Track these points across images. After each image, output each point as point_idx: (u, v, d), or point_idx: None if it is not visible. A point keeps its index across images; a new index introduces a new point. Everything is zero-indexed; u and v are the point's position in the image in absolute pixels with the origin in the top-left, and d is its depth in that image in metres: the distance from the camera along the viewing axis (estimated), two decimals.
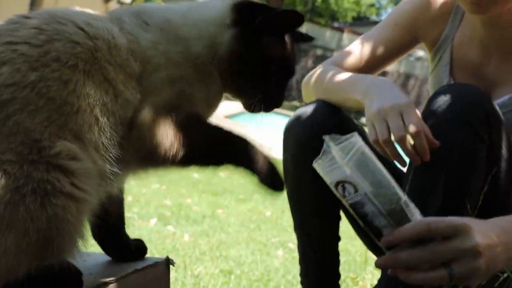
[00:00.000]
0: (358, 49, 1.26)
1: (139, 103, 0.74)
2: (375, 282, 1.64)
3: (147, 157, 0.75)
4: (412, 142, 0.93)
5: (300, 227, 1.26)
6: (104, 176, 0.69)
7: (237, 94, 0.91)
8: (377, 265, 0.71)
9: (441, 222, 0.68)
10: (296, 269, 1.75)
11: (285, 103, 1.25)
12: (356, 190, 0.63)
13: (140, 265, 0.83)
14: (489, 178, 0.96)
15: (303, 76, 1.33)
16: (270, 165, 0.81)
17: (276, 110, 0.96)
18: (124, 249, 0.87)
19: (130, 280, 0.76)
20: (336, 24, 19.62)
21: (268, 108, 0.90)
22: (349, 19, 21.58)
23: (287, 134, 1.21)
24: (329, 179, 0.66)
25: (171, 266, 0.90)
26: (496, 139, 0.99)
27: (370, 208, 0.64)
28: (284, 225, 2.95)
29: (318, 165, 0.67)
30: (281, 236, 2.61)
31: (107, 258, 0.88)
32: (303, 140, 1.14)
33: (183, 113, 0.77)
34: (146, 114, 0.74)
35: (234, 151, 0.82)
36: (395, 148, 0.95)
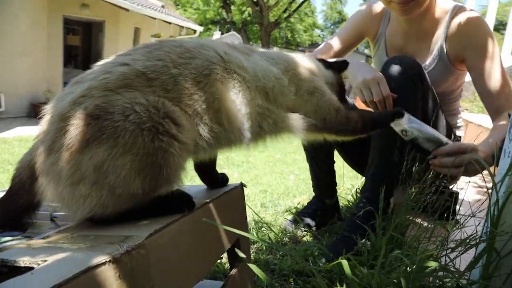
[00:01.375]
0: (331, 44, 1.85)
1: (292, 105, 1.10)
2: (349, 186, 2.85)
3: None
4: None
5: (310, 157, 1.92)
6: (228, 140, 0.95)
7: None
8: (432, 163, 1.30)
9: (464, 144, 1.27)
10: (302, 185, 3.07)
11: None
12: (412, 133, 1.27)
13: (226, 189, 1.06)
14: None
15: None
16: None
17: None
18: (215, 180, 1.14)
19: (222, 199, 0.99)
20: (300, 48, 32.03)
21: None
22: (306, 45, 34.91)
23: None
24: (398, 129, 1.29)
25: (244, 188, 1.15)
26: (425, 88, 1.51)
27: (420, 140, 1.27)
28: (289, 162, 4.32)
29: (394, 123, 1.29)
30: (289, 168, 3.96)
31: (204, 187, 1.13)
32: None
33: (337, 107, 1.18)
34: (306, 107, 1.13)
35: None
36: (375, 104, 1.44)
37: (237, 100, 0.95)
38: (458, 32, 1.57)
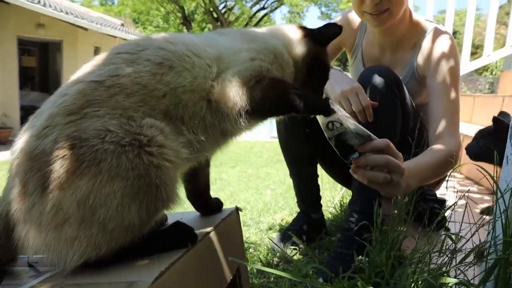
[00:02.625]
0: None
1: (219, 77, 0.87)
2: (328, 198, 2.62)
3: (232, 114, 0.85)
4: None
5: (294, 173, 1.87)
6: (192, 143, 0.82)
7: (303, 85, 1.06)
8: (354, 162, 0.99)
9: (394, 148, 1.02)
10: (281, 200, 2.97)
11: None
12: (341, 125, 0.93)
13: (223, 215, 0.98)
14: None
15: None
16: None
17: None
18: (210, 206, 1.04)
19: (221, 226, 0.91)
20: None
21: None
22: None
23: None
24: (324, 120, 0.95)
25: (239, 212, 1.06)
26: (403, 95, 1.50)
27: (349, 135, 0.95)
28: (263, 177, 4.20)
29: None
30: (264, 183, 3.88)
31: (196, 213, 1.03)
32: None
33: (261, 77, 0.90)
34: (230, 79, 0.86)
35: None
36: (356, 115, 1.39)
37: (189, 86, 0.83)
38: (427, 51, 1.58)
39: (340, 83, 1.43)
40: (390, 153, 0.99)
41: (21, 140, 0.73)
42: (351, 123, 0.95)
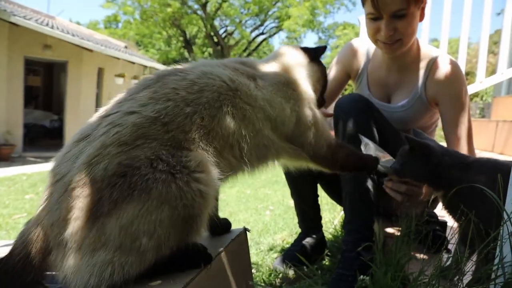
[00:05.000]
0: None
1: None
2: (327, 219, 2.60)
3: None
4: None
5: (296, 193, 1.89)
6: (239, 170, 0.92)
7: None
8: (386, 185, 1.37)
9: None
10: (280, 221, 2.94)
11: None
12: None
13: (232, 236, 0.97)
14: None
15: None
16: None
17: None
18: (219, 226, 1.04)
19: (231, 247, 0.90)
20: None
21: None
22: None
23: None
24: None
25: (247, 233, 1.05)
26: (376, 114, 1.54)
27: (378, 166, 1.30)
28: (261, 197, 4.14)
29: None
30: (263, 203, 3.82)
31: (205, 234, 1.00)
32: None
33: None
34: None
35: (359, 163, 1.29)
36: None
37: (247, 132, 0.90)
38: (437, 78, 1.60)
39: None
40: (412, 183, 1.32)
41: (68, 164, 0.72)
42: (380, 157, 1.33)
